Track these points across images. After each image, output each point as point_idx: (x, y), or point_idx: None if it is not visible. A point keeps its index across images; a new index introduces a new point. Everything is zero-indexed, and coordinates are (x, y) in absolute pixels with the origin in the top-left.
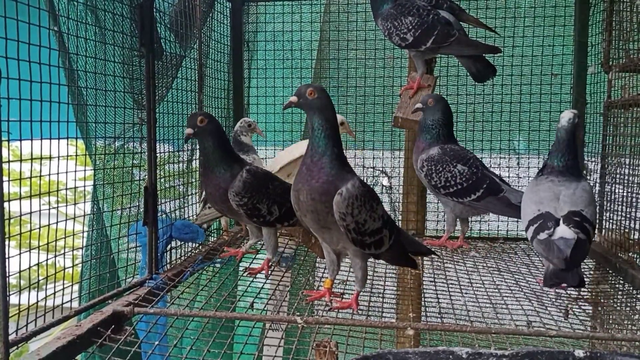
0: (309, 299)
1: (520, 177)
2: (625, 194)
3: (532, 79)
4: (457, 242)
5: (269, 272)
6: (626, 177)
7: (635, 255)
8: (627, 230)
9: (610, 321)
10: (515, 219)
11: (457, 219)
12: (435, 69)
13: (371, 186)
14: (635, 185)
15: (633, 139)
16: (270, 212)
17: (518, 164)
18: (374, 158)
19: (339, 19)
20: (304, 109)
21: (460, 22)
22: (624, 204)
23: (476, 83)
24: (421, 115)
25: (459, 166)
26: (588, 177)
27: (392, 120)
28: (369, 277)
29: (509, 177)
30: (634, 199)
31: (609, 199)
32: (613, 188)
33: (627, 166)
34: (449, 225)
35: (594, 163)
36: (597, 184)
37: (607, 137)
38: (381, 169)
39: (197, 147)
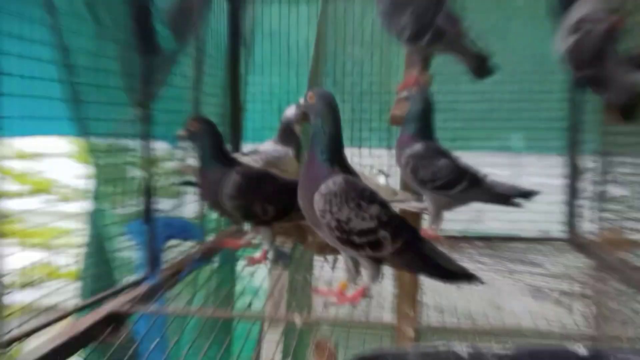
0: (316, 289)
1: (518, 176)
2: (623, 193)
3: (530, 77)
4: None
5: (265, 262)
6: (625, 177)
7: (632, 255)
8: (624, 230)
9: (608, 320)
10: (512, 219)
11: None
12: (431, 67)
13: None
14: (634, 184)
15: (632, 137)
16: (265, 211)
17: (515, 162)
18: (370, 156)
19: (336, 16)
20: (306, 112)
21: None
22: (622, 203)
23: (475, 80)
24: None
25: (442, 160)
26: (586, 176)
27: (389, 118)
28: None
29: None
30: (632, 199)
31: (607, 198)
32: (612, 187)
33: (626, 165)
34: (437, 218)
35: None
36: (596, 183)
37: (606, 136)
38: (379, 167)
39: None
